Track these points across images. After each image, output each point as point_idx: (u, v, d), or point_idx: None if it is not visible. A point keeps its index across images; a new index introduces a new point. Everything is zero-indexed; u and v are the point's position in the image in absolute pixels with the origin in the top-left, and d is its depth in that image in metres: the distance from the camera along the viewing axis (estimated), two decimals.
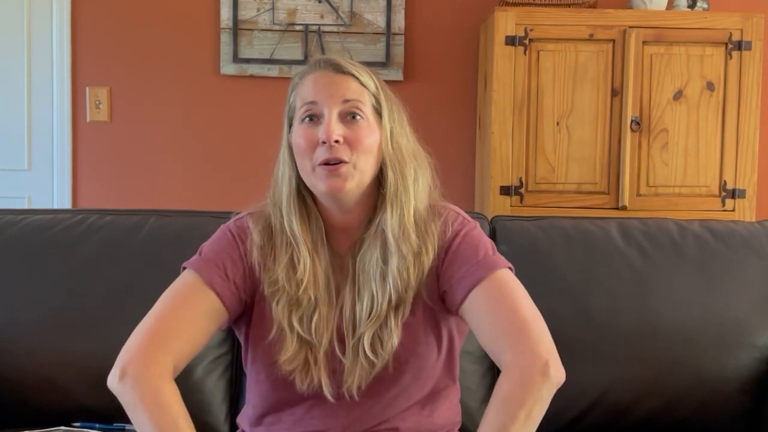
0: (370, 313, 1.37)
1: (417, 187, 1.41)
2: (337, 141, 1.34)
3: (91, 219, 1.93)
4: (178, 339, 1.35)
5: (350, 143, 1.35)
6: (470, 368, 1.80)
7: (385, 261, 1.38)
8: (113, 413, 1.78)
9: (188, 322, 1.37)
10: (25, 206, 3.36)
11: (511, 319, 1.33)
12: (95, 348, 1.78)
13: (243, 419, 1.52)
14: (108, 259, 1.86)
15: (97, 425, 1.74)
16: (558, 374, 1.30)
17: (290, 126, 1.42)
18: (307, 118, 1.38)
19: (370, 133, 1.37)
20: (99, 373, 1.76)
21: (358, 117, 1.37)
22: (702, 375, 1.82)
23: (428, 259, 1.39)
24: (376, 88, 1.41)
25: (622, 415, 1.83)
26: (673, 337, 1.83)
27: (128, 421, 1.76)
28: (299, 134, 1.38)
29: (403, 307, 1.38)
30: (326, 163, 1.35)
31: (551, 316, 1.80)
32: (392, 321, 1.37)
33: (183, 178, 3.40)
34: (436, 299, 1.41)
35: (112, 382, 1.33)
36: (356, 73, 1.39)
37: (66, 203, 3.39)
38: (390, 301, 1.37)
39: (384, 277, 1.37)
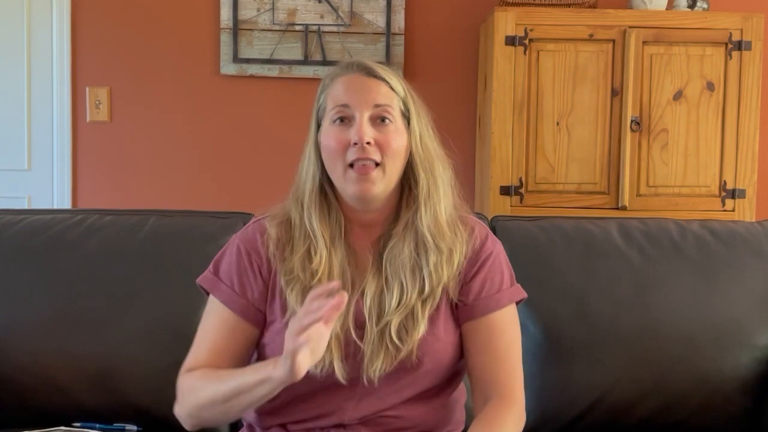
0: (399, 303, 1.42)
1: (445, 186, 1.48)
2: (368, 143, 1.39)
3: (91, 219, 1.93)
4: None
5: (380, 146, 1.41)
6: None
7: (419, 254, 1.44)
8: (113, 413, 1.79)
9: (233, 354, 1.45)
10: (25, 206, 3.36)
11: (503, 360, 1.45)
12: (95, 348, 1.78)
13: (250, 413, 1.52)
14: (108, 259, 1.86)
15: (97, 425, 1.74)
16: (524, 421, 1.45)
17: (318, 125, 1.47)
18: (338, 120, 1.43)
19: (398, 137, 1.43)
20: (99, 373, 1.78)
21: (387, 121, 1.43)
22: (702, 375, 1.82)
23: (457, 258, 1.46)
24: (405, 93, 1.47)
25: (622, 415, 1.83)
26: (673, 337, 1.83)
27: (128, 422, 1.78)
28: (330, 136, 1.43)
29: (432, 300, 1.44)
30: (357, 164, 1.40)
31: (551, 316, 1.80)
32: (419, 312, 1.42)
33: (183, 178, 3.40)
34: (456, 301, 1.47)
35: (177, 410, 1.44)
36: (387, 78, 1.45)
37: (66, 203, 3.39)
38: (421, 292, 1.43)
39: (414, 271, 1.43)
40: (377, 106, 1.42)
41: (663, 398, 1.81)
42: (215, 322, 1.46)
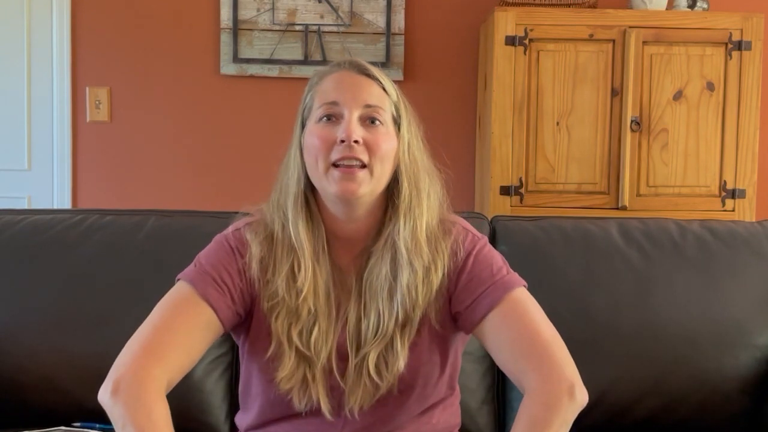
0: (376, 332, 1.34)
1: (430, 201, 1.39)
2: (356, 141, 1.31)
3: (91, 219, 1.93)
4: (173, 353, 1.30)
5: (369, 146, 1.32)
6: (470, 368, 1.80)
7: (394, 276, 1.34)
8: None
9: (184, 336, 1.32)
10: (25, 206, 3.36)
11: (531, 341, 1.32)
12: (95, 348, 1.78)
13: (240, 421, 1.51)
14: (108, 259, 1.86)
15: (97, 425, 1.74)
16: (583, 396, 1.29)
17: (303, 126, 1.39)
18: (325, 118, 1.34)
19: (388, 139, 1.35)
20: (99, 373, 1.76)
21: (377, 122, 1.34)
22: (702, 375, 1.82)
23: (437, 278, 1.36)
24: (397, 97, 1.39)
25: (622, 415, 1.83)
26: (673, 337, 1.83)
27: None
28: (314, 133, 1.34)
29: (410, 327, 1.35)
30: (341, 163, 1.31)
31: (551, 316, 1.80)
32: (398, 342, 1.34)
33: (183, 178, 3.40)
34: (446, 320, 1.39)
35: (104, 395, 1.28)
36: (380, 78, 1.37)
37: (66, 203, 3.39)
38: (397, 320, 1.34)
39: (391, 295, 1.34)
40: (368, 106, 1.34)
41: (663, 398, 1.81)
42: (178, 306, 1.35)
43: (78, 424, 1.75)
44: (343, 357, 1.36)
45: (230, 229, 1.43)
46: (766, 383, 1.85)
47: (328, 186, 1.33)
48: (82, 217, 1.94)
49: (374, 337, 1.34)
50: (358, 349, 1.35)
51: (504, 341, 1.34)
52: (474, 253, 1.40)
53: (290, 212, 1.37)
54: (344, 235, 1.39)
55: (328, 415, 1.34)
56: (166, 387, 1.30)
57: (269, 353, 1.35)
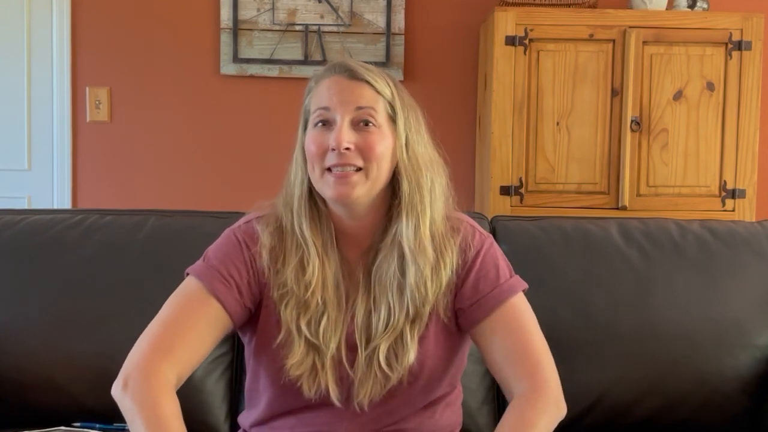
0: (387, 326, 1.37)
1: (433, 196, 1.40)
2: (347, 148, 1.33)
3: (91, 219, 1.93)
4: (181, 349, 1.34)
5: (361, 150, 1.34)
6: (470, 368, 1.79)
7: (402, 273, 1.37)
8: (113, 413, 1.78)
9: (192, 331, 1.36)
10: (25, 206, 3.36)
11: (526, 351, 1.38)
12: (95, 348, 1.78)
13: (244, 420, 1.52)
14: (108, 259, 1.86)
15: (97, 425, 1.74)
16: (565, 409, 1.38)
17: (305, 128, 1.41)
18: (320, 123, 1.37)
19: (381, 140, 1.36)
20: (99, 373, 1.77)
21: (370, 124, 1.36)
22: (702, 375, 1.82)
23: (446, 275, 1.39)
24: (392, 95, 1.39)
25: (622, 415, 1.83)
26: (673, 337, 1.83)
27: None
28: (311, 139, 1.37)
29: (420, 322, 1.38)
30: (335, 169, 1.34)
31: (551, 316, 1.81)
32: (408, 335, 1.37)
33: (183, 178, 3.40)
34: (451, 315, 1.42)
35: (115, 390, 1.32)
36: (371, 80, 1.37)
37: (66, 203, 3.39)
38: (407, 314, 1.37)
39: (401, 290, 1.37)
40: (359, 108, 1.35)
41: (663, 398, 1.81)
42: (186, 302, 1.38)
43: (78, 424, 1.75)
44: (352, 348, 1.39)
45: (241, 221, 1.47)
46: (766, 383, 1.85)
47: (324, 189, 1.37)
48: (82, 217, 1.94)
49: (385, 331, 1.37)
50: (368, 341, 1.38)
51: (500, 344, 1.39)
52: (483, 252, 1.44)
53: (295, 212, 1.40)
54: (350, 231, 1.42)
55: (336, 403, 1.37)
56: (175, 381, 1.33)
57: (279, 340, 1.38)
